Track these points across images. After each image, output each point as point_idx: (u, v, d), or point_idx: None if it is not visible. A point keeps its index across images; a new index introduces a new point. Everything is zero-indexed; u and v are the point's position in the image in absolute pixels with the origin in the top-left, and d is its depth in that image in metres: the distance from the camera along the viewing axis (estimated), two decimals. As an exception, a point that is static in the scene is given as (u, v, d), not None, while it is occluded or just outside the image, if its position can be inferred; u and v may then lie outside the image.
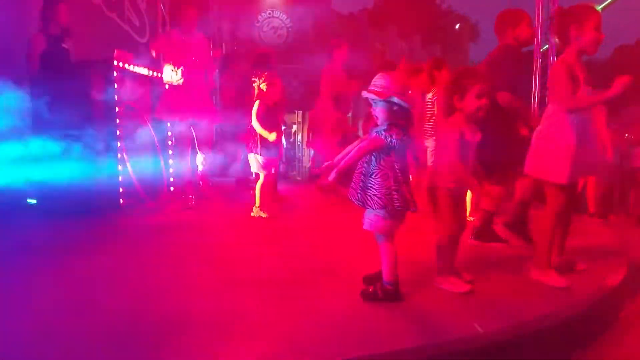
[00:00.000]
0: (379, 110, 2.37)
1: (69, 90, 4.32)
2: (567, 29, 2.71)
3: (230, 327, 2.06)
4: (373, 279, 2.50)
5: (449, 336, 2.02)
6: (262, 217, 4.61)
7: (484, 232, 3.54)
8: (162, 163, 5.37)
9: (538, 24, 10.91)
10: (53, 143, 4.48)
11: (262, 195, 4.67)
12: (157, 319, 2.15)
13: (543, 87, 11.23)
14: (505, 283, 2.70)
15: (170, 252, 3.37)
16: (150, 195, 5.00)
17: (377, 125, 2.43)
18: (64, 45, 4.83)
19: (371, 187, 2.34)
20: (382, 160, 2.34)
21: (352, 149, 2.43)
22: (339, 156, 2.44)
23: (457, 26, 22.85)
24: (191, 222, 4.36)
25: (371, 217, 2.39)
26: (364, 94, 2.41)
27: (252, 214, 4.66)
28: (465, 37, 27.26)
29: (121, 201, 4.61)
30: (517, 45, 3.55)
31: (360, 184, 2.39)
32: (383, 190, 2.31)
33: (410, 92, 2.48)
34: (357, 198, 2.40)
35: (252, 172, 4.91)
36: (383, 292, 2.37)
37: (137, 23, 7.63)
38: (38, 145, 4.58)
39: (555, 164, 2.66)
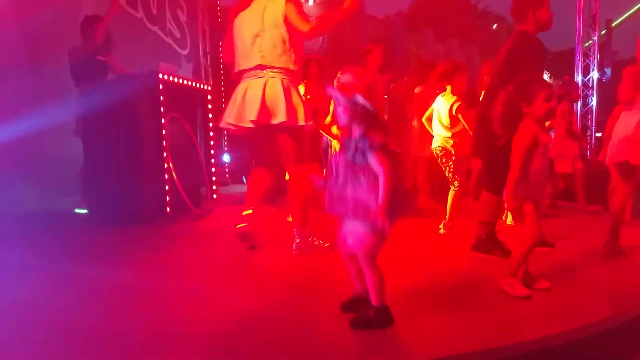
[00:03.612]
0: (341, 110, 2.11)
1: (114, 102, 4.48)
2: None
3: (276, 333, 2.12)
4: (352, 305, 2.29)
5: (505, 341, 2.01)
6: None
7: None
8: (205, 172, 5.49)
9: (580, 22, 10.69)
10: (101, 153, 4.66)
11: None
12: (209, 324, 2.21)
13: (585, 86, 10.94)
14: (556, 287, 2.64)
15: (215, 259, 3.45)
16: (196, 203, 5.12)
17: (339, 127, 2.25)
18: (100, 57, 5.02)
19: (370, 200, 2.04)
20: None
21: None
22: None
23: (494, 26, 22.44)
24: (233, 229, 4.45)
25: (360, 233, 2.09)
26: (329, 90, 2.16)
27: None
28: (502, 38, 26.77)
29: (168, 210, 4.75)
30: (535, 33, 3.29)
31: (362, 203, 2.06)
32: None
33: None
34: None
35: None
36: (376, 317, 2.12)
37: (178, 35, 7.85)
38: (87, 155, 4.78)
39: None
